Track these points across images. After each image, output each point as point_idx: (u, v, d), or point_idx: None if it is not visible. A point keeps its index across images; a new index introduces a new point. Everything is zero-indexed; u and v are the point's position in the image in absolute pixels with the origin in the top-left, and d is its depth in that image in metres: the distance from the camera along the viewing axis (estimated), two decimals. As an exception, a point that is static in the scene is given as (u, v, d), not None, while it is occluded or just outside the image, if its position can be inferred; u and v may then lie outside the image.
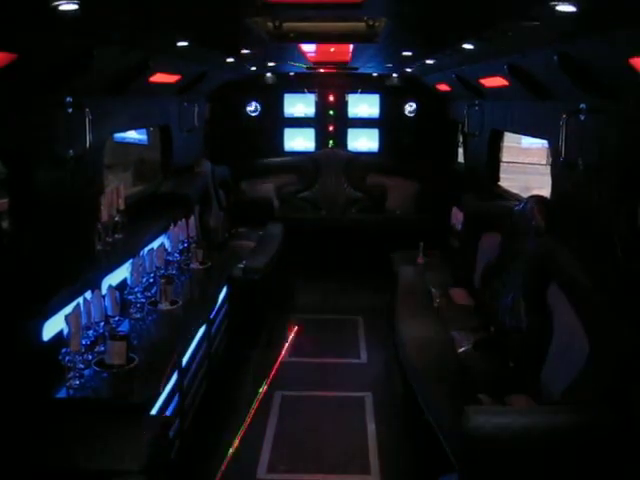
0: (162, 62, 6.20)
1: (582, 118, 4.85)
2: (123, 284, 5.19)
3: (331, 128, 11.31)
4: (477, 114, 8.34)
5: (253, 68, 9.24)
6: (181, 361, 4.75)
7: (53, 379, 3.98)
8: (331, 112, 11.27)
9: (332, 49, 7.08)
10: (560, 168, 5.40)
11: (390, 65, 8.81)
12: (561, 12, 3.24)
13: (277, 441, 5.48)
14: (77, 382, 4.00)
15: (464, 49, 5.48)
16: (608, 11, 3.28)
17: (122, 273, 5.31)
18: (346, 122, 11.31)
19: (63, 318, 4.05)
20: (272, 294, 8.47)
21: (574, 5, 3.13)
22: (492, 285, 5.88)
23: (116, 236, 5.60)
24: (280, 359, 7.19)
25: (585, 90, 4.63)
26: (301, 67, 9.18)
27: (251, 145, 10.93)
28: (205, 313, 5.73)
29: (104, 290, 4.75)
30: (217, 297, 6.29)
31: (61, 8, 3.13)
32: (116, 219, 5.63)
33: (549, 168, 6.05)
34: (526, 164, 22.84)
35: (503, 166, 8.65)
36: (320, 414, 5.94)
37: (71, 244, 5.03)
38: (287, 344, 7.58)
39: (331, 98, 11.24)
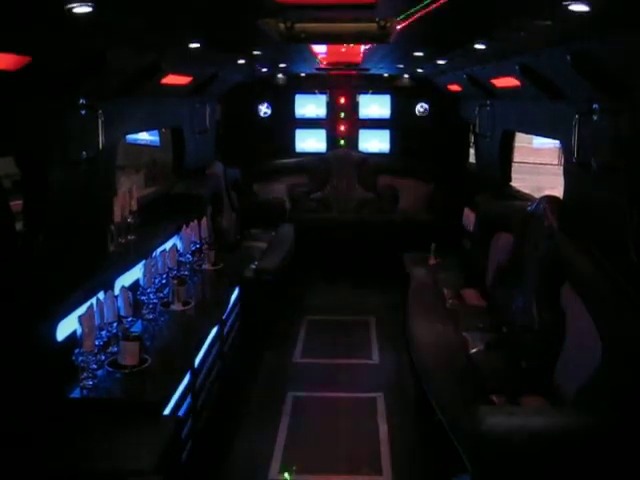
0: (174, 64, 6.22)
1: (595, 118, 4.82)
2: (136, 285, 5.21)
3: (342, 129, 11.31)
4: (488, 114, 8.31)
5: (264, 69, 9.25)
6: (193, 362, 4.77)
7: (67, 379, 4.00)
8: (342, 113, 11.27)
9: (343, 50, 7.08)
10: (573, 168, 5.38)
11: (401, 66, 8.80)
12: (574, 11, 3.23)
13: (289, 442, 5.49)
14: (90, 382, 4.02)
15: (475, 49, 5.47)
16: (621, 10, 3.26)
17: (135, 274, 5.33)
18: (357, 123, 11.31)
19: (76, 319, 4.07)
20: (284, 295, 8.48)
21: (587, 4, 3.12)
22: (504, 286, 5.87)
23: (129, 237, 5.62)
24: (292, 360, 7.20)
25: (598, 90, 4.61)
26: (312, 68, 9.19)
27: (262, 146, 10.95)
28: (217, 314, 5.75)
29: (117, 291, 4.78)
30: (229, 298, 6.30)
31: (75, 10, 3.15)
32: (129, 220, 5.65)
33: (561, 168, 6.03)
34: (538, 164, 22.76)
35: (514, 166, 8.62)
36: (332, 415, 5.94)
37: (84, 245, 5.06)
38: (299, 345, 7.58)
39: (342, 99, 11.24)
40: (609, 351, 3.82)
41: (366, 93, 11.21)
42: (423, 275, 7.34)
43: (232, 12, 4.04)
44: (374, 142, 11.34)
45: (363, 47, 6.57)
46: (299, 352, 7.40)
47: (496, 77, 6.92)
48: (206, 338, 5.23)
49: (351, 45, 6.47)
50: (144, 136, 17.19)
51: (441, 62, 7.36)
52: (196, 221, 6.78)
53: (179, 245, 6.35)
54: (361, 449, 5.40)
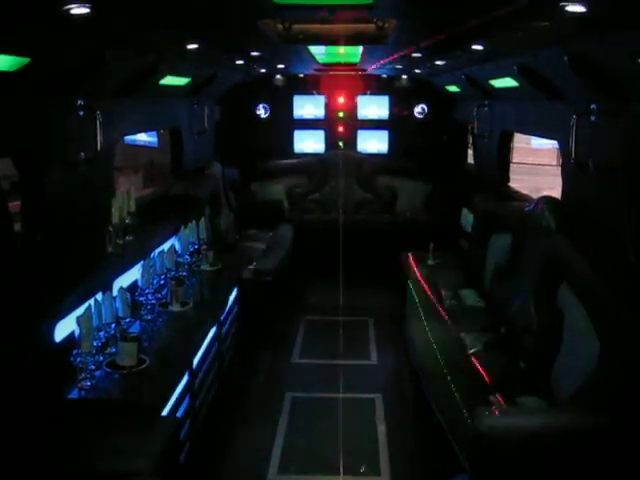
0: (172, 64, 6.22)
1: (593, 119, 4.83)
2: (134, 286, 5.21)
3: (340, 130, 11.31)
4: (487, 115, 8.32)
5: (263, 70, 9.26)
6: (192, 362, 4.77)
7: (65, 380, 4.00)
8: (340, 114, 11.27)
9: (341, 51, 7.08)
10: (571, 169, 5.38)
11: (400, 66, 8.81)
12: (571, 12, 3.23)
13: (287, 442, 5.49)
14: (88, 383, 4.02)
15: (474, 50, 5.47)
16: (619, 11, 3.27)
17: (133, 275, 5.33)
18: (355, 124, 11.31)
19: (74, 319, 4.07)
20: (282, 295, 8.47)
21: (584, 5, 3.12)
22: (502, 286, 5.87)
23: (127, 238, 5.61)
24: (290, 360, 7.20)
25: (595, 90, 4.62)
26: (310, 69, 9.19)
27: (261, 147, 10.94)
28: (215, 314, 5.75)
29: (115, 292, 4.78)
30: (227, 298, 6.30)
31: (73, 11, 3.15)
32: (127, 221, 5.64)
33: (559, 169, 6.03)
34: (536, 165, 22.78)
35: (512, 167, 8.63)
36: (330, 415, 5.93)
37: (82, 246, 5.06)
38: (297, 345, 7.58)
39: (340, 100, 11.24)
40: (607, 351, 3.83)
41: (364, 94, 11.22)
42: (421, 275, 7.34)
43: (231, 13, 4.04)
44: (373, 143, 11.34)
45: (361, 48, 6.56)
46: (297, 353, 7.40)
47: (494, 78, 6.93)
48: (204, 339, 5.23)
49: (350, 46, 6.47)
50: (142, 137, 17.19)
51: (439, 63, 7.37)
52: (194, 222, 6.77)
53: (177, 246, 6.35)
54: (359, 450, 5.40)
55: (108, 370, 4.21)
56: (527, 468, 3.64)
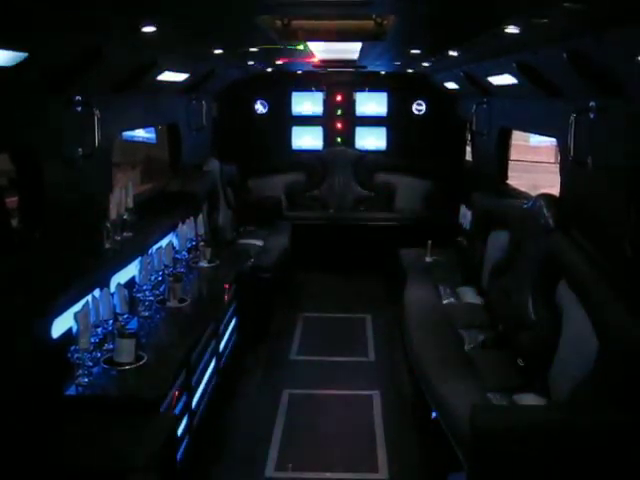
0: (170, 60, 6.21)
1: (592, 116, 4.83)
2: (132, 282, 5.20)
3: (339, 126, 11.30)
4: (485, 112, 8.31)
5: (261, 66, 9.24)
6: (189, 359, 4.76)
7: (62, 376, 3.99)
8: (339, 110, 11.26)
9: (340, 47, 7.06)
10: (569, 166, 5.38)
11: (398, 63, 8.80)
12: (570, 9, 3.22)
13: (285, 439, 5.49)
14: (86, 380, 4.01)
15: (472, 47, 5.46)
16: (618, 8, 3.26)
17: (131, 271, 5.32)
18: (354, 120, 11.30)
19: (72, 316, 4.06)
20: (280, 292, 8.47)
21: (583, 2, 3.12)
22: (501, 283, 5.87)
23: (125, 234, 5.60)
24: (288, 357, 7.20)
25: (594, 88, 4.61)
26: (308, 65, 9.17)
27: (259, 143, 10.93)
28: (213, 311, 5.74)
29: (113, 288, 4.77)
30: (225, 295, 6.29)
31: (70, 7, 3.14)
32: (125, 217, 5.63)
33: (558, 167, 6.03)
34: (534, 162, 22.76)
35: (510, 164, 8.62)
36: (328, 412, 5.94)
37: (80, 242, 5.05)
38: (295, 342, 7.58)
39: (339, 96, 11.23)
40: (605, 349, 3.82)
41: (363, 91, 11.20)
42: (420, 273, 7.34)
43: (230, 9, 4.03)
44: (371, 139, 11.33)
45: (360, 44, 6.55)
46: (295, 349, 7.40)
47: (493, 75, 6.92)
48: (202, 335, 5.22)
49: (348, 42, 6.45)
50: (141, 133, 17.16)
51: (438, 60, 7.35)
52: (192, 218, 6.76)
53: (175, 242, 6.34)
54: (357, 447, 5.40)
55: (105, 367, 4.20)
56: (525, 465, 3.64)
